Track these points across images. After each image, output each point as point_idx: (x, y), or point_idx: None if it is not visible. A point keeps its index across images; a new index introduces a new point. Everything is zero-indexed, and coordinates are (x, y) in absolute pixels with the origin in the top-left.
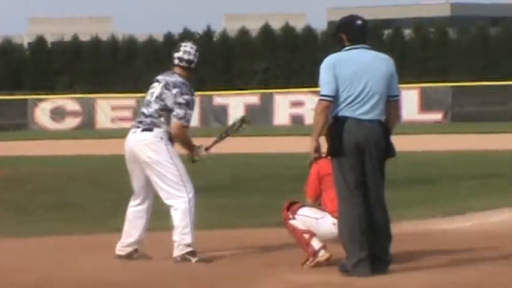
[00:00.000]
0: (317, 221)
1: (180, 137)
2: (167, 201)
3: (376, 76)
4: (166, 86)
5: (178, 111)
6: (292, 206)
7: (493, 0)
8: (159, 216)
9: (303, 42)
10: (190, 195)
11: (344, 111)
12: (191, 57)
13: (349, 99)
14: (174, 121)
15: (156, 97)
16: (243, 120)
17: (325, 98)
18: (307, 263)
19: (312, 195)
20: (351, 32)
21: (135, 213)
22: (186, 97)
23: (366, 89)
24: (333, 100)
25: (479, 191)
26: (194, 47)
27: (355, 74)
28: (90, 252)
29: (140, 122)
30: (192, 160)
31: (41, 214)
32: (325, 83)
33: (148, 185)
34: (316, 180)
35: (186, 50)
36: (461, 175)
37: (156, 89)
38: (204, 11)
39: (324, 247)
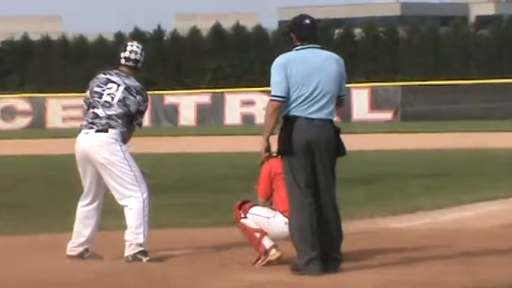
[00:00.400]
0: (268, 220)
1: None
2: (121, 202)
3: (327, 76)
4: (129, 91)
5: (141, 120)
6: (244, 205)
7: (442, 0)
8: (110, 215)
9: (254, 41)
10: (144, 195)
11: (294, 111)
12: (138, 56)
13: (300, 99)
14: (134, 127)
15: (119, 101)
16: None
17: (277, 98)
18: (259, 261)
19: (264, 194)
20: (300, 31)
21: (85, 213)
22: (147, 104)
23: (318, 89)
24: (284, 100)
25: (430, 189)
26: (140, 46)
27: (307, 74)
28: (41, 252)
29: (93, 123)
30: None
31: None
32: (277, 83)
33: (99, 185)
34: (267, 179)
35: (133, 50)
36: (412, 174)
37: (114, 91)
38: (154, 11)
39: (275, 246)
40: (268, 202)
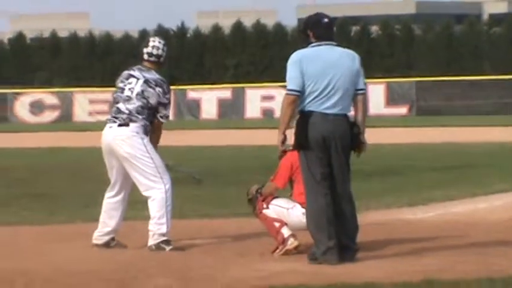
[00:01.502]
0: (288, 211)
1: (159, 134)
2: (145, 193)
3: (341, 72)
4: (148, 84)
5: (165, 112)
6: (267, 198)
7: None
8: (134, 206)
9: (274, 38)
10: (167, 186)
11: (310, 106)
12: (160, 51)
13: (315, 94)
14: (160, 120)
15: (138, 94)
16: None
17: (292, 92)
18: (277, 251)
19: (282, 182)
20: (317, 29)
21: (112, 204)
22: (168, 96)
23: (331, 84)
24: (299, 94)
25: (443, 182)
26: (162, 41)
27: (321, 69)
28: (67, 241)
29: (116, 117)
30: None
31: (20, 204)
32: (292, 78)
33: (125, 176)
34: (289, 170)
35: (155, 45)
36: (426, 167)
37: (134, 85)
38: (178, 9)
39: (293, 235)
40: (288, 194)
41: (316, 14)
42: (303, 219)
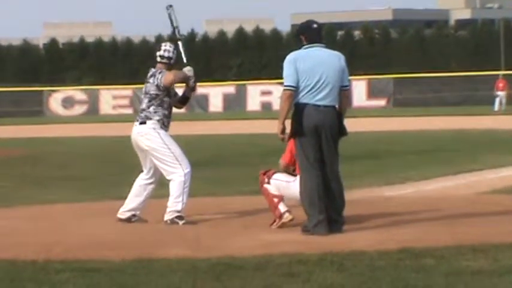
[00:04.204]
0: (288, 184)
1: (176, 79)
2: (168, 177)
3: (330, 69)
4: (146, 80)
5: (175, 91)
6: (268, 172)
7: (427, 6)
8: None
9: (271, 42)
10: (186, 171)
11: (304, 99)
12: (170, 54)
13: (308, 88)
14: (164, 76)
15: (144, 93)
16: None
17: (289, 88)
18: (274, 224)
19: (288, 160)
20: (308, 34)
21: (142, 186)
22: (160, 77)
23: (322, 79)
24: (295, 89)
25: (417, 164)
26: (172, 45)
27: (312, 67)
28: (96, 216)
29: (138, 116)
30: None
31: (55, 185)
32: (288, 75)
33: (154, 165)
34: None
35: (166, 49)
36: (402, 151)
37: (144, 87)
38: (188, 17)
39: (288, 211)
40: (290, 169)
41: (308, 21)
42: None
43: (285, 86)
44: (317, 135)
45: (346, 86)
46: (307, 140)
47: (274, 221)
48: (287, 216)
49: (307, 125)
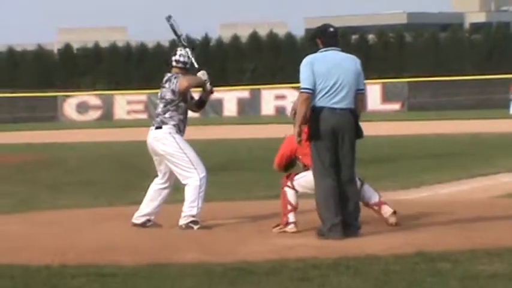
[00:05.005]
0: (306, 177)
1: (191, 85)
2: (183, 181)
3: (346, 72)
4: (162, 85)
5: (178, 84)
6: (290, 175)
7: (442, 9)
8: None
9: (285, 46)
10: (201, 176)
11: (320, 102)
12: (186, 59)
13: (324, 91)
14: (179, 82)
15: (159, 98)
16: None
17: (306, 90)
18: (277, 228)
19: (279, 160)
20: (324, 37)
21: (157, 191)
22: (175, 81)
23: (338, 82)
24: (312, 92)
25: (432, 167)
26: (188, 50)
27: (329, 70)
28: (109, 221)
29: (154, 121)
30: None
31: (69, 190)
32: (305, 78)
33: (169, 170)
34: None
35: (182, 54)
36: (417, 155)
37: (160, 92)
38: (203, 22)
39: (295, 223)
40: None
41: (324, 25)
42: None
43: (302, 88)
44: (334, 138)
45: (362, 90)
46: (323, 144)
47: (278, 225)
48: (291, 228)
49: (324, 129)
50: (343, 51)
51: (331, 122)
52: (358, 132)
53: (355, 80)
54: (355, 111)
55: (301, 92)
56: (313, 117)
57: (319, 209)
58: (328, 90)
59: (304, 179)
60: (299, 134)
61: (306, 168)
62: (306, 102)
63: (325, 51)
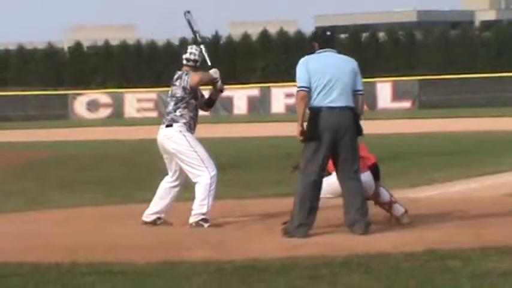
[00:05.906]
0: (327, 181)
1: (202, 80)
2: (194, 180)
3: (339, 71)
4: (172, 83)
5: (189, 80)
6: None
7: (452, 7)
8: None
9: (295, 44)
10: (212, 174)
11: (317, 102)
12: (196, 57)
13: (320, 87)
14: (190, 77)
15: (170, 96)
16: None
17: (301, 88)
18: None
19: (330, 169)
20: (321, 41)
21: (168, 189)
22: (186, 79)
23: (333, 79)
24: (308, 90)
25: (442, 165)
26: (198, 48)
27: (323, 66)
28: (120, 219)
29: (165, 119)
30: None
31: (80, 189)
32: (300, 77)
33: (180, 168)
34: None
35: (192, 52)
36: (427, 153)
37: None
38: (212, 20)
39: None
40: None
41: (321, 29)
42: (336, 183)
43: (298, 87)
44: (333, 138)
45: (360, 91)
46: (318, 145)
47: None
48: None
49: (323, 129)
50: (340, 53)
51: (330, 122)
52: (358, 130)
53: (350, 78)
54: (355, 110)
55: (298, 91)
56: (311, 119)
57: (294, 206)
58: (323, 88)
59: (327, 183)
60: (301, 133)
61: (327, 173)
62: (304, 101)
63: (320, 52)
